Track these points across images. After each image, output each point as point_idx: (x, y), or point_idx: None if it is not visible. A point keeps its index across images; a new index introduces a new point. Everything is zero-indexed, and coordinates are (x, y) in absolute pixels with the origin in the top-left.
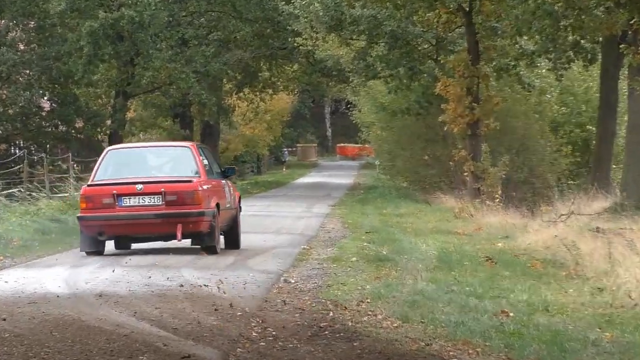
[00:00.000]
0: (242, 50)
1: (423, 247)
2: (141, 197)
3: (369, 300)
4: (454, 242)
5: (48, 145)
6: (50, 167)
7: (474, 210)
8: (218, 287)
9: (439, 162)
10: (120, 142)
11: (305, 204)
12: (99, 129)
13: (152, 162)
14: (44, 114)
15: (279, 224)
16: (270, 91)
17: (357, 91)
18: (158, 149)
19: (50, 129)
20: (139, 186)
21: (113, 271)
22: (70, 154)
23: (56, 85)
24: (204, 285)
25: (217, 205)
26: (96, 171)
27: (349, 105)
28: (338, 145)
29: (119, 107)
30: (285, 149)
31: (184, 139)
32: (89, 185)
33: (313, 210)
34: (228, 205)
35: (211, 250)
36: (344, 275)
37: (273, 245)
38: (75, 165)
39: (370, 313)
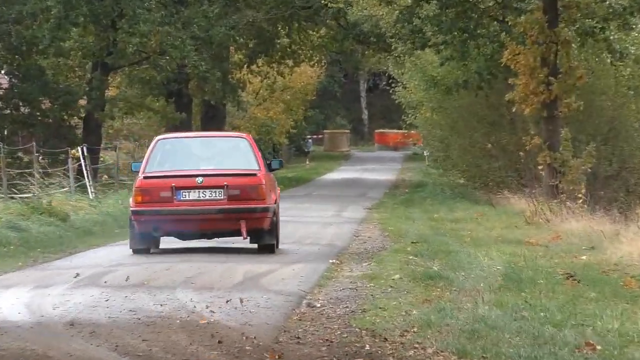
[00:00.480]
0: (254, 11)
1: (485, 262)
2: (202, 190)
3: (415, 329)
4: (525, 255)
5: (5, 132)
6: (9, 159)
7: (551, 214)
8: (223, 312)
9: (506, 153)
10: (98, 126)
11: (334, 207)
12: (70, 111)
13: (206, 154)
14: (0, 92)
15: (301, 231)
16: (291, 62)
17: (401, 62)
18: (211, 139)
19: (8, 111)
20: (200, 179)
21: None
22: (34, 143)
23: (16, 56)
24: (205, 309)
25: (275, 200)
26: (146, 162)
27: (390, 81)
28: (376, 131)
29: (96, 83)
30: (309, 137)
31: (181, 124)
32: (145, 178)
33: (344, 215)
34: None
35: (269, 249)
36: (383, 297)
37: (294, 259)
38: (40, 158)
39: (417, 346)
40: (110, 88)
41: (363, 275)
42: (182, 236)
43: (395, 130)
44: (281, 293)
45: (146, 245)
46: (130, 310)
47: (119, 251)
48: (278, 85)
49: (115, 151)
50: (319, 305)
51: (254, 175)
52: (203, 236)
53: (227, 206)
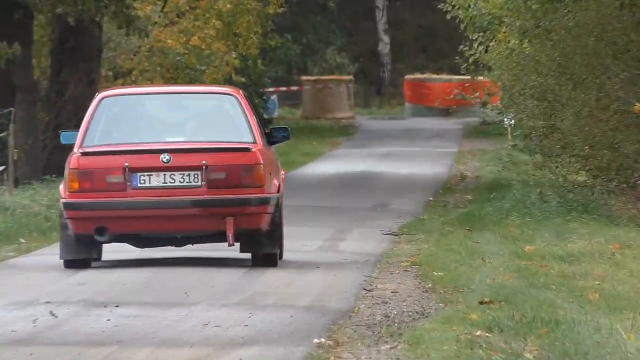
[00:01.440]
0: None
1: (632, 344)
2: (169, 173)
3: None
4: None
5: None
6: None
7: None
8: None
9: None
10: None
11: (324, 231)
12: None
13: (175, 119)
14: None
15: (258, 280)
16: None
17: None
18: (182, 96)
19: None
20: (165, 156)
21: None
22: None
23: None
24: None
25: (279, 188)
26: (85, 131)
27: None
28: (407, 78)
29: None
30: (271, 91)
31: (11, 64)
32: (83, 154)
33: (344, 247)
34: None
35: (269, 260)
36: None
37: (238, 341)
38: None
39: None
40: None
41: None
42: (140, 241)
43: (446, 77)
44: None
45: (84, 255)
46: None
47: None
48: None
49: None
50: None
51: (247, 150)
52: (170, 242)
53: (206, 197)
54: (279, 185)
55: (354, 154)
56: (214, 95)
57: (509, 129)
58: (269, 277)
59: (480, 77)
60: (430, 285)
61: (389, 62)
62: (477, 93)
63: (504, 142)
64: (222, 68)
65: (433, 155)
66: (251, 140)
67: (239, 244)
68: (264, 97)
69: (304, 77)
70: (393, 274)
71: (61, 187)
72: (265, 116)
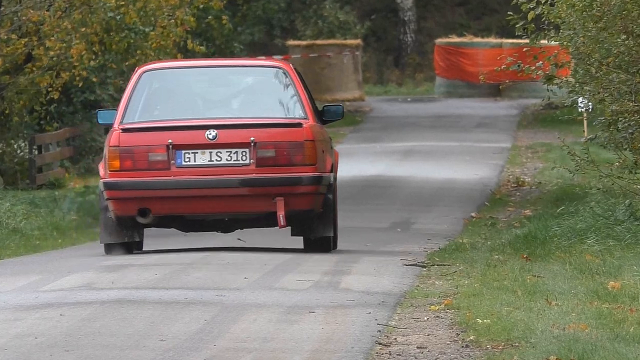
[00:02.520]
0: None
1: None
2: (215, 151)
3: None
4: None
5: None
6: None
7: None
8: None
9: None
10: None
11: (324, 258)
12: None
13: (222, 94)
14: None
15: (226, 330)
16: None
17: None
18: (229, 69)
19: None
20: (211, 132)
21: None
22: None
23: None
24: None
25: (332, 167)
26: (125, 108)
27: None
28: (438, 43)
29: None
30: None
31: None
32: (124, 131)
33: (349, 282)
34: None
35: (324, 244)
36: None
37: None
38: None
39: None
40: None
41: None
42: (184, 225)
43: (494, 41)
44: None
45: (125, 238)
46: None
47: None
48: None
49: None
50: None
51: (299, 125)
52: (216, 226)
53: (255, 175)
54: (333, 164)
55: (363, 151)
56: (262, 68)
57: (585, 114)
58: (242, 325)
59: (544, 41)
60: (472, 337)
61: (412, 20)
62: (540, 63)
63: (577, 133)
64: (171, 29)
65: (476, 152)
66: (303, 116)
67: (290, 227)
68: None
69: (291, 42)
70: (420, 322)
71: (100, 166)
72: None
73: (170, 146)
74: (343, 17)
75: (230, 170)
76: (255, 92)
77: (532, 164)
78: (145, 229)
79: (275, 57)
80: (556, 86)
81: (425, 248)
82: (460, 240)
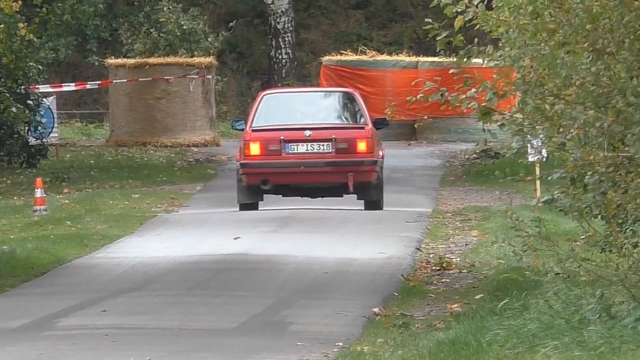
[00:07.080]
0: None
1: None
2: (310, 143)
3: None
4: None
5: None
6: None
7: None
8: None
9: None
10: None
11: None
12: None
13: (313, 109)
14: None
15: None
16: None
17: None
18: (317, 94)
19: None
20: (308, 132)
21: None
22: None
23: None
24: None
25: (382, 156)
26: (253, 117)
27: None
28: (326, 62)
29: None
30: (46, 94)
31: None
32: (253, 131)
33: None
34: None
35: (376, 205)
36: None
37: None
38: None
39: None
40: None
41: None
42: (289, 190)
43: (408, 60)
44: None
45: (254, 199)
46: None
47: None
48: None
49: None
50: None
51: (362, 128)
52: (307, 192)
53: (335, 159)
54: (382, 154)
55: (218, 220)
56: (339, 92)
57: (538, 166)
58: None
59: (478, 60)
60: None
61: (289, 29)
62: (473, 91)
63: (527, 193)
64: None
65: (383, 220)
66: (364, 122)
67: (355, 195)
68: (30, 103)
69: (112, 61)
70: None
71: (237, 153)
72: (31, 141)
73: (282, 140)
74: (188, 25)
75: (319, 155)
76: (334, 107)
77: (462, 238)
78: (264, 195)
79: (90, 82)
80: (496, 125)
81: None
82: (359, 349)
